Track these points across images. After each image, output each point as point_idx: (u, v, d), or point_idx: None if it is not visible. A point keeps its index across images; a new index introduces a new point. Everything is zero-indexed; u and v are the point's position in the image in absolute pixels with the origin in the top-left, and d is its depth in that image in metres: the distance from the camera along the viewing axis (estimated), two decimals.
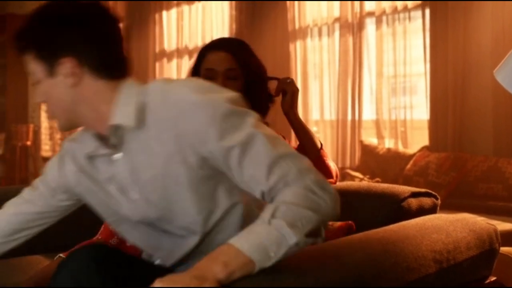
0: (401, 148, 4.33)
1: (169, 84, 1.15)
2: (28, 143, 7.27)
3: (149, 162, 1.14)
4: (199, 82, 1.16)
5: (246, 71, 1.75)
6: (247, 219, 1.16)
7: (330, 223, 1.62)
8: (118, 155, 1.18)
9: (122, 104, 1.14)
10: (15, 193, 1.39)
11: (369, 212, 1.60)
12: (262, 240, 0.95)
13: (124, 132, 1.15)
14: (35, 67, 1.15)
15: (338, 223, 1.60)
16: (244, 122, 1.07)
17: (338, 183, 1.80)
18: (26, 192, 1.36)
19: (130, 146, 1.16)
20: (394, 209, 1.57)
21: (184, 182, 1.12)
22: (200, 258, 0.99)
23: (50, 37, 1.13)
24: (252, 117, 1.09)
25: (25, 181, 6.56)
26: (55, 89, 1.15)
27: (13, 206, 1.35)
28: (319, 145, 1.75)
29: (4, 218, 1.34)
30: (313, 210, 0.99)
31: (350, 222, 1.58)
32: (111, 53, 1.16)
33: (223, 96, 1.10)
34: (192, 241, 1.19)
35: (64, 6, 1.15)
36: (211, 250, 0.99)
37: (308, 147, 1.74)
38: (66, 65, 1.12)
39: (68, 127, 1.21)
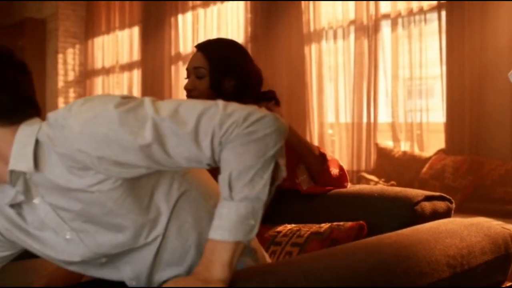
0: (417, 151, 4.30)
1: (59, 115, 1.07)
2: None
3: (68, 200, 1.09)
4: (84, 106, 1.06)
5: (217, 69, 1.77)
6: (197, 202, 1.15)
7: (341, 223, 1.60)
8: (36, 200, 1.13)
9: (19, 147, 1.09)
10: None
11: (382, 216, 1.59)
12: (237, 219, 0.97)
13: (27, 177, 1.10)
14: None
15: (349, 223, 1.58)
16: (140, 116, 1.01)
17: (350, 186, 1.79)
18: None
19: (42, 188, 1.11)
20: (407, 213, 1.55)
21: (113, 207, 1.07)
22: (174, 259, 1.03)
23: None
24: (143, 107, 1.02)
25: None
26: None
27: None
28: (317, 153, 1.75)
29: None
30: (261, 156, 0.98)
31: (361, 222, 1.57)
32: (9, 99, 1.10)
33: (110, 104, 1.02)
34: (149, 252, 1.14)
35: None
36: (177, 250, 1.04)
37: (310, 164, 1.75)
38: None
39: None
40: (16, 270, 1.75)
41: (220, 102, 1.02)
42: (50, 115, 1.07)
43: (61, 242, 1.16)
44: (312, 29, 4.95)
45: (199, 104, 1.03)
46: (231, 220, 0.97)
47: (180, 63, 6.33)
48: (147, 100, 1.04)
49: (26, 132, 1.09)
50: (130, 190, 1.07)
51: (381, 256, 1.16)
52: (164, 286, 0.98)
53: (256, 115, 1.00)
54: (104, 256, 1.16)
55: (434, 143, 4.25)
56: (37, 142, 1.08)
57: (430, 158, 4.06)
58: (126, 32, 6.98)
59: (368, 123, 4.56)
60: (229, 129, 0.98)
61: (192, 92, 1.84)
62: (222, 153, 0.99)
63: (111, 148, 1.01)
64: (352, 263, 1.10)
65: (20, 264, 1.71)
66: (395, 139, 4.47)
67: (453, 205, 1.66)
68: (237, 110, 1.01)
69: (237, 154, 0.98)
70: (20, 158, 1.08)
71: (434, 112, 4.29)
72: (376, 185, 3.67)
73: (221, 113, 1.00)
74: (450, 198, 1.66)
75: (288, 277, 1.00)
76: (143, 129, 1.00)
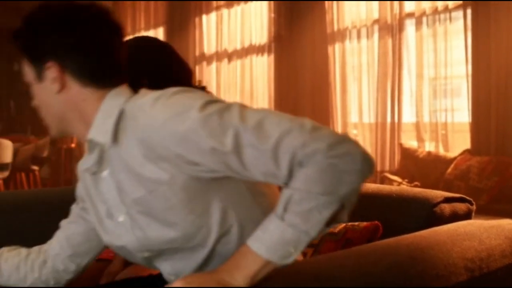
0: (441, 152, 4.24)
1: (146, 101, 1.03)
2: (73, 145, 7.44)
3: (133, 183, 1.06)
4: (178, 99, 1.02)
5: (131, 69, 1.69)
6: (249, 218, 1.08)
7: (356, 223, 1.59)
8: (105, 172, 1.11)
9: (102, 116, 1.07)
10: (59, 194, 1.39)
11: (400, 217, 1.56)
12: (278, 240, 0.93)
13: (104, 147, 1.08)
14: (26, 69, 1.13)
15: (364, 223, 1.57)
16: (224, 122, 0.96)
17: (369, 186, 1.77)
18: (73, 207, 1.32)
19: (114, 163, 1.08)
20: (426, 214, 1.53)
21: (176, 204, 1.03)
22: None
23: (35, 40, 1.09)
24: (229, 112, 0.97)
25: (69, 183, 6.72)
26: (43, 94, 1.12)
27: (63, 228, 1.32)
28: None
29: (58, 245, 1.30)
30: (330, 191, 0.91)
31: (376, 222, 1.55)
32: (97, 61, 1.09)
33: (195, 107, 0.98)
34: (200, 254, 1.09)
35: (54, 9, 1.10)
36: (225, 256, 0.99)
37: None
38: (51, 70, 1.08)
39: (59, 134, 1.18)
40: None
41: (309, 123, 0.95)
42: (139, 97, 1.05)
43: (110, 222, 1.15)
44: (335, 28, 4.93)
45: (285, 121, 0.95)
46: (273, 239, 0.93)
47: (205, 63, 6.36)
48: (235, 105, 0.99)
49: (112, 102, 1.08)
50: (198, 191, 1.03)
51: (396, 258, 1.14)
52: (178, 281, 0.95)
53: (346, 147, 0.92)
54: (147, 251, 1.13)
55: (459, 143, 4.19)
56: (121, 114, 1.06)
57: (455, 158, 4.00)
58: (151, 32, 7.04)
59: (392, 123, 4.52)
60: (312, 152, 0.91)
61: None
62: (296, 173, 0.94)
63: (188, 148, 0.97)
64: (365, 265, 1.09)
65: None
66: (420, 139, 4.42)
67: (474, 207, 1.63)
68: (327, 135, 0.93)
69: (308, 178, 0.92)
70: (101, 129, 1.07)
71: (460, 111, 4.23)
72: (394, 186, 3.64)
73: (307, 135, 0.93)
74: (471, 199, 1.63)
75: (300, 279, 0.99)
76: (225, 136, 0.95)
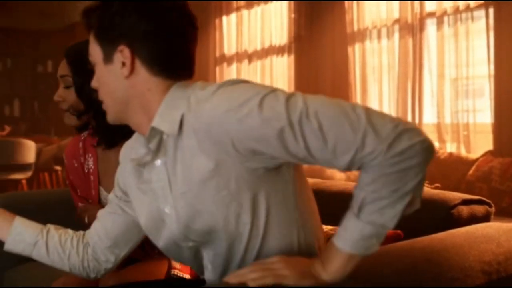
0: (463, 153, 4.19)
1: (207, 93, 1.02)
2: None
3: (185, 175, 1.06)
4: (236, 91, 1.00)
5: (79, 74, 1.63)
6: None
7: None
8: (159, 161, 1.11)
9: (167, 106, 1.06)
10: None
11: (417, 220, 1.54)
12: (359, 236, 0.97)
13: (164, 138, 1.08)
14: (94, 48, 1.11)
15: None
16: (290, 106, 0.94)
17: None
18: (111, 198, 1.31)
19: (169, 153, 1.08)
20: (443, 217, 1.52)
21: (224, 195, 1.02)
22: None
23: (111, 22, 1.07)
24: (295, 97, 0.95)
25: None
26: (109, 77, 1.09)
27: (101, 218, 1.31)
28: None
29: (97, 236, 1.30)
30: (398, 188, 0.93)
31: (398, 231, 1.54)
32: (171, 50, 1.07)
33: (255, 104, 0.96)
34: (241, 246, 1.08)
35: None
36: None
37: None
38: (123, 54, 1.06)
39: (116, 120, 1.15)
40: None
41: (360, 109, 0.93)
42: (200, 89, 1.03)
43: (156, 213, 1.14)
44: (355, 28, 4.90)
45: (336, 110, 0.94)
46: (353, 236, 0.97)
47: (225, 64, 6.38)
48: (298, 94, 0.97)
49: (178, 94, 1.06)
50: (249, 183, 1.02)
51: (411, 260, 1.14)
52: (273, 257, 1.01)
53: (404, 142, 0.91)
54: (192, 241, 1.12)
55: (481, 144, 4.13)
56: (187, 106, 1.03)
57: (477, 159, 3.94)
58: None
59: (413, 123, 4.47)
60: (373, 153, 0.92)
61: (61, 104, 1.71)
62: (360, 172, 0.97)
63: (249, 136, 0.96)
64: (380, 267, 1.09)
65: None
66: (441, 140, 4.37)
67: (493, 209, 1.61)
68: (384, 125, 0.92)
69: (375, 182, 0.94)
70: (166, 119, 1.05)
71: (482, 112, 4.17)
72: None
73: (365, 126, 0.92)
74: (490, 201, 1.61)
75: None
76: (292, 116, 0.93)
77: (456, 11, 4.20)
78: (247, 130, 0.96)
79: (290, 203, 1.08)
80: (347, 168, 0.95)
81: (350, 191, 0.92)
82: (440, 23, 4.30)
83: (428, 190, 1.67)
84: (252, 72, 6.01)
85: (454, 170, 4.05)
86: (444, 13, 4.27)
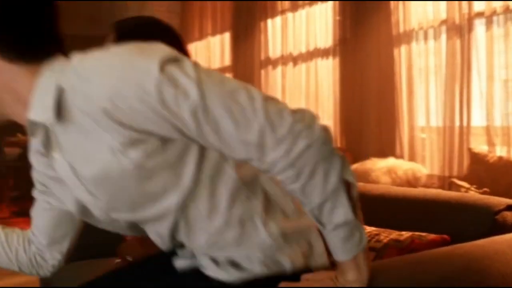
0: None
1: (84, 58, 0.94)
2: None
3: (85, 160, 0.98)
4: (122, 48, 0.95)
5: None
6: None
7: (424, 233, 1.55)
8: (56, 154, 1.03)
9: (39, 93, 0.96)
10: None
11: (459, 225, 1.52)
12: (342, 242, 0.99)
13: (47, 127, 0.98)
14: None
15: (432, 236, 1.52)
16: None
17: (424, 192, 1.73)
18: (34, 195, 1.26)
19: (61, 142, 1.00)
20: (487, 223, 1.48)
21: (135, 172, 0.95)
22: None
23: None
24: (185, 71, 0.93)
25: None
26: None
27: (32, 219, 1.27)
28: None
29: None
30: (325, 189, 0.94)
31: (445, 236, 1.51)
32: (19, 33, 0.97)
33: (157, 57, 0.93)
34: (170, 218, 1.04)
35: None
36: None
37: None
38: None
39: None
40: (78, 269, 1.84)
41: (259, 102, 0.93)
42: (70, 64, 0.95)
43: (78, 200, 1.10)
44: (401, 30, 4.83)
45: (234, 104, 0.92)
46: (337, 245, 1.01)
47: (270, 67, 6.39)
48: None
49: (47, 77, 0.97)
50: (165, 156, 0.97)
51: (452, 267, 1.12)
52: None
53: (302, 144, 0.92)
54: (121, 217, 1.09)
55: None
56: (59, 88, 0.94)
57: None
58: (217, 38, 7.15)
59: (461, 126, 4.38)
60: (274, 164, 0.93)
61: None
62: (286, 187, 0.98)
63: (139, 104, 0.91)
64: (420, 274, 1.07)
65: (85, 263, 1.80)
66: (490, 143, 4.25)
67: None
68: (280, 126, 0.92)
69: (303, 195, 0.97)
70: (40, 107, 0.96)
71: None
72: (452, 192, 3.52)
73: (262, 122, 0.91)
74: None
75: None
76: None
77: (506, 10, 4.08)
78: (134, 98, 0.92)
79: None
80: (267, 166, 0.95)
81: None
82: (489, 23, 4.19)
83: (473, 194, 1.63)
84: (297, 75, 6.00)
85: (504, 175, 3.93)
86: (494, 13, 4.16)
